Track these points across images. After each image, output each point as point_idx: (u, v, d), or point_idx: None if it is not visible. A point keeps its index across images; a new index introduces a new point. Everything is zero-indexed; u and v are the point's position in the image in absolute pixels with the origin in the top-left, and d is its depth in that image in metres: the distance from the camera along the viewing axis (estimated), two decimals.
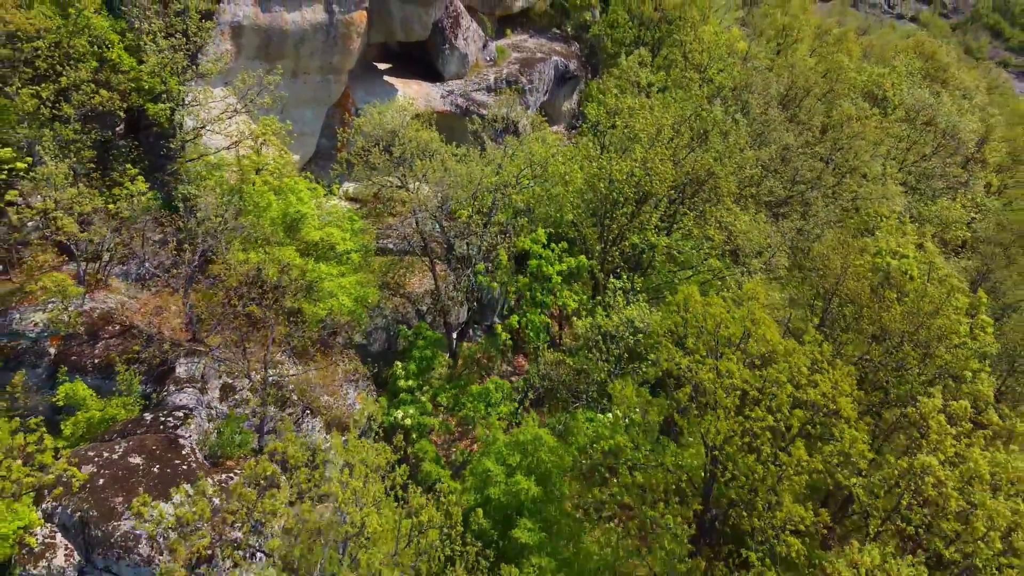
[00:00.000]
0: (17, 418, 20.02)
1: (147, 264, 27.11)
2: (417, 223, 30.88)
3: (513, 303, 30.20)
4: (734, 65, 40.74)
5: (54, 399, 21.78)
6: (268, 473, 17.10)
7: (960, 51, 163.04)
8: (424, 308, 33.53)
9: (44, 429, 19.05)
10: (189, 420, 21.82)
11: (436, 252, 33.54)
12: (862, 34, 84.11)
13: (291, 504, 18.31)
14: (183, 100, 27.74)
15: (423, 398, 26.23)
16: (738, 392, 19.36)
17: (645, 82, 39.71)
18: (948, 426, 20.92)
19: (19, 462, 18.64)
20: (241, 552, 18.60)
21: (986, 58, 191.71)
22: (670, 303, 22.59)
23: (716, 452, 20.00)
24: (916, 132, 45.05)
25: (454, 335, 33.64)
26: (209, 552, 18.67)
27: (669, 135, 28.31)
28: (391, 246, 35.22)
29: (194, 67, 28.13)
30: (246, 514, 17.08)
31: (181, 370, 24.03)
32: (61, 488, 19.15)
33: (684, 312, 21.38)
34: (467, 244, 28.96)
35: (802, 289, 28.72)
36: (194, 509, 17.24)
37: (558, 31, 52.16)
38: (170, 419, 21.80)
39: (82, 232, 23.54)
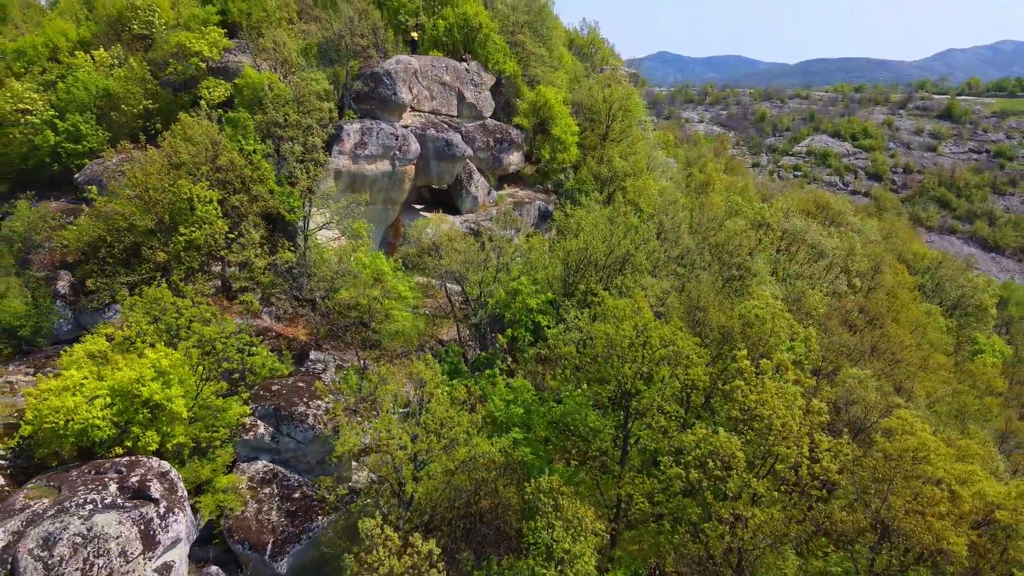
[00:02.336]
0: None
1: (280, 304, 44.47)
2: (445, 289, 48.29)
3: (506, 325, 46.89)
4: (657, 199, 60.40)
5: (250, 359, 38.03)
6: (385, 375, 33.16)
7: (906, 219, 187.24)
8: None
9: (266, 351, 35.49)
10: (326, 371, 38.21)
11: (457, 316, 50.76)
12: (772, 195, 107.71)
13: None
14: (309, 211, 46.30)
15: (453, 383, 42.32)
16: (628, 339, 35.81)
17: (597, 212, 58.81)
18: (752, 367, 37.02)
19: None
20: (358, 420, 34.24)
21: (935, 227, 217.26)
22: (598, 305, 39.71)
23: (624, 382, 36.00)
24: (796, 247, 64.08)
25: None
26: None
27: (603, 231, 46.67)
28: (427, 312, 52.55)
29: (314, 193, 47.05)
30: (373, 389, 32.99)
31: (312, 356, 40.45)
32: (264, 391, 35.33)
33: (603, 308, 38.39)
34: (478, 289, 46.02)
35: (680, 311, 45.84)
36: (344, 386, 33.32)
37: (541, 186, 72.43)
38: (315, 369, 38.19)
39: (262, 275, 40.99)
